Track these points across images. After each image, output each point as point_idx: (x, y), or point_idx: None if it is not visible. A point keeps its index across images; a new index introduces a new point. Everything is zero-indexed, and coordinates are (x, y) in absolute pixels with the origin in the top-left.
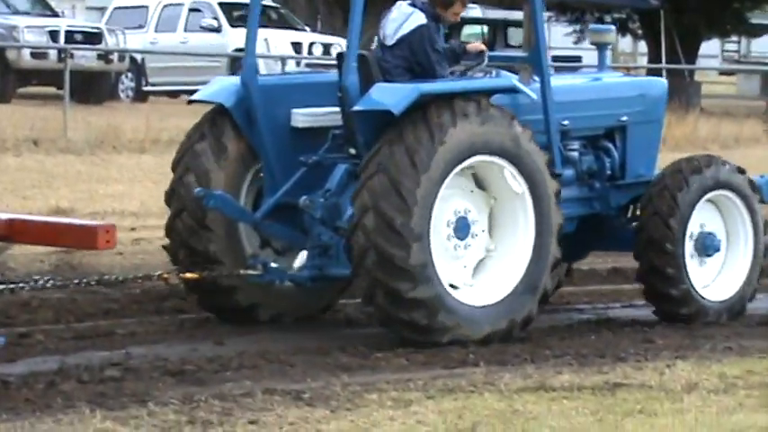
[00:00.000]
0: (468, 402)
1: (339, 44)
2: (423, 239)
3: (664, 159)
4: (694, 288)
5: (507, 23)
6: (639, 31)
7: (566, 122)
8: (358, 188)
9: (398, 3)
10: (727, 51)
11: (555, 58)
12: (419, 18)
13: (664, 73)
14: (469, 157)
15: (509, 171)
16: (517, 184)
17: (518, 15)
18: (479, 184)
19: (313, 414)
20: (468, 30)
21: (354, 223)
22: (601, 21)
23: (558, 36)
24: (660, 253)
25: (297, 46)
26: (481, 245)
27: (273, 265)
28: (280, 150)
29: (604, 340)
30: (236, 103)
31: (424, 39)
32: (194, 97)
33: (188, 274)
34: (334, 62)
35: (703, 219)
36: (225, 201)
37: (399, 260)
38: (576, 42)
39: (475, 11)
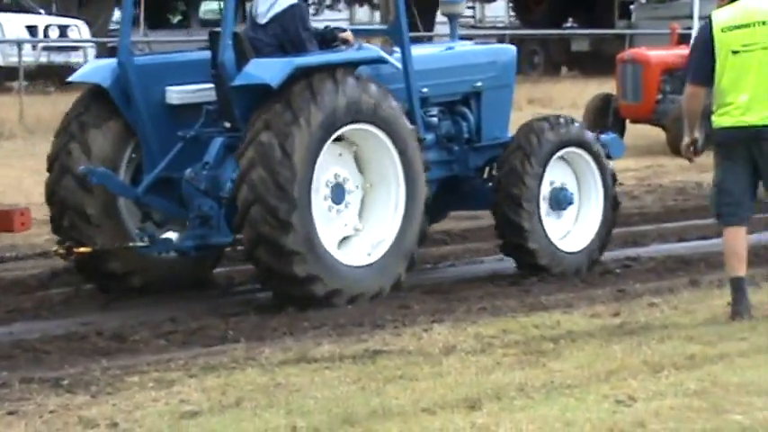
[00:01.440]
0: (230, 379)
1: (77, 26)
2: (304, 195)
3: None
4: (550, 240)
5: None
6: (376, 1)
7: (425, 90)
8: (243, 146)
9: None
10: (463, 17)
11: None
12: None
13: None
14: (345, 124)
15: (381, 138)
16: (391, 151)
17: None
18: (360, 169)
19: (73, 401)
20: (205, 6)
21: (240, 178)
22: None
23: None
24: (517, 208)
25: (32, 29)
26: (351, 222)
27: (164, 236)
28: (157, 127)
29: (361, 309)
30: (113, 82)
31: (296, 17)
32: (72, 78)
33: (81, 249)
34: (72, 45)
35: (556, 175)
36: (108, 177)
37: (283, 213)
38: (314, 14)
39: None
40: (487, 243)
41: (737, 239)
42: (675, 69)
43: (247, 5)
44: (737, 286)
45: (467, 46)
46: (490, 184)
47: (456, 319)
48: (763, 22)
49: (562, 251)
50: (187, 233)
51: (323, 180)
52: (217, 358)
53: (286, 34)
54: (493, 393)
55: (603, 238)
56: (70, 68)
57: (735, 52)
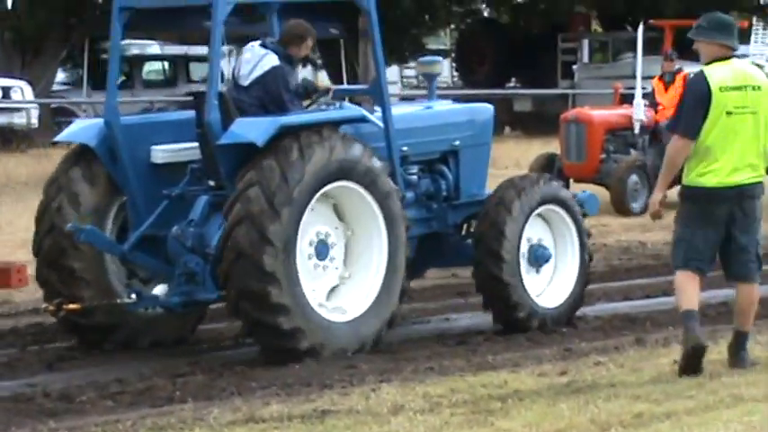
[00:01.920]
0: None
1: (20, 87)
2: (290, 251)
3: None
4: (529, 295)
5: (188, 59)
6: (320, 61)
7: (405, 148)
8: (230, 201)
9: (251, 44)
10: (406, 77)
11: None
12: (272, 60)
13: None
14: (331, 181)
15: (365, 196)
16: (373, 210)
17: (198, 51)
18: (339, 216)
19: None
20: (148, 66)
21: (227, 232)
22: None
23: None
24: (498, 262)
25: None
26: (336, 272)
27: (151, 293)
28: (142, 185)
29: (309, 369)
30: (99, 142)
31: (277, 79)
32: (58, 138)
33: (71, 305)
34: (15, 106)
35: (534, 232)
36: (95, 235)
37: (269, 266)
38: None
39: (153, 47)
40: (433, 303)
41: (690, 279)
42: (619, 129)
43: (227, 69)
44: (688, 317)
45: (445, 105)
46: (469, 240)
47: (404, 379)
48: (754, 87)
49: (541, 306)
50: (173, 290)
51: (306, 238)
52: (165, 419)
53: (268, 95)
54: None
55: (580, 293)
56: (12, 130)
57: (729, 113)
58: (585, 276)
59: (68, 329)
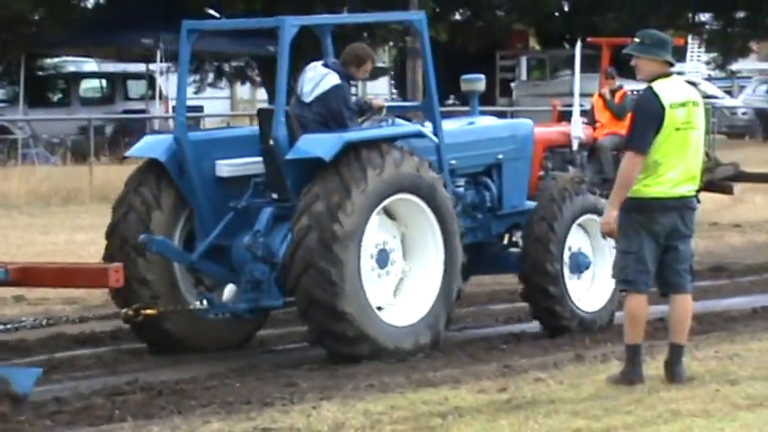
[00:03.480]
0: None
1: None
2: (354, 261)
3: None
4: (573, 302)
5: (126, 76)
6: (258, 78)
7: (453, 162)
8: (297, 215)
9: (313, 63)
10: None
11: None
12: (333, 79)
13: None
14: (392, 194)
15: (422, 207)
16: (430, 220)
17: (135, 68)
18: (389, 215)
19: None
20: (86, 84)
21: (295, 244)
22: (220, 70)
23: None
24: (544, 276)
25: None
26: (398, 268)
27: (221, 300)
28: (208, 198)
29: (249, 387)
30: (169, 157)
31: (338, 98)
32: (129, 153)
33: (148, 311)
34: None
35: (575, 240)
36: (165, 245)
37: (335, 276)
38: (196, 92)
39: (90, 65)
40: None
41: (643, 307)
42: (557, 146)
43: (163, 86)
44: (635, 352)
45: (488, 120)
46: (511, 249)
47: (344, 396)
48: (694, 103)
49: (582, 311)
50: (241, 297)
51: (370, 246)
52: None
53: (330, 113)
54: None
55: (617, 297)
56: None
57: (677, 129)
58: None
59: (141, 335)
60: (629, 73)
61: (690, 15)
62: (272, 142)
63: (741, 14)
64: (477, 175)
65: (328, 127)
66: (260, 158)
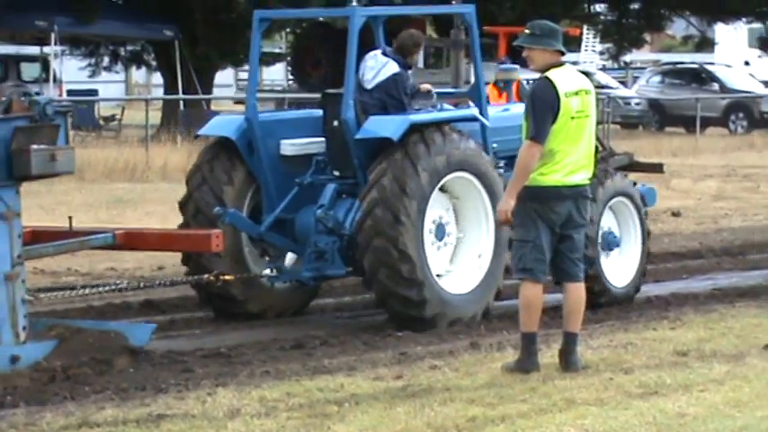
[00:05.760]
0: None
1: None
2: (418, 231)
3: None
4: (607, 280)
5: (19, 59)
6: (154, 63)
7: (494, 145)
8: (367, 188)
9: (373, 52)
10: (241, 80)
11: (70, 92)
12: (393, 67)
13: (181, 104)
14: (451, 171)
15: (476, 185)
16: (483, 197)
17: (29, 51)
18: (442, 189)
19: None
20: None
21: (365, 215)
22: (115, 54)
23: (73, 70)
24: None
25: None
26: (453, 238)
27: (289, 268)
28: (274, 174)
29: (144, 373)
30: (239, 135)
31: (398, 85)
32: (202, 132)
33: (227, 276)
34: None
35: (605, 221)
36: (237, 217)
37: (402, 244)
38: (90, 76)
39: None
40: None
41: (538, 296)
42: None
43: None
44: (530, 341)
45: (520, 108)
46: None
47: (240, 383)
48: (587, 92)
49: (613, 285)
50: (305, 266)
51: (429, 220)
52: None
53: (390, 98)
54: None
55: (641, 276)
56: None
57: (572, 118)
58: (646, 261)
59: (209, 300)
60: (524, 62)
61: (585, 6)
62: (336, 124)
63: (635, 6)
64: (514, 158)
65: (387, 110)
66: (321, 138)
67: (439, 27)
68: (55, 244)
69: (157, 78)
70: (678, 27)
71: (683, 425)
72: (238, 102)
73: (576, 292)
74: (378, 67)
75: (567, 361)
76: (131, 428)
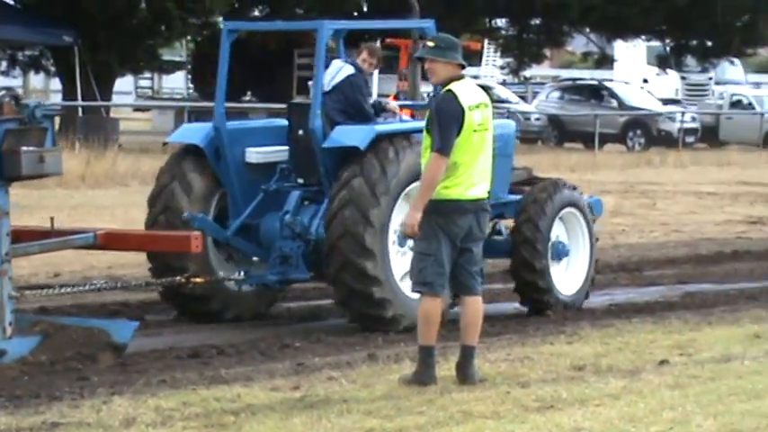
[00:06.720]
0: None
1: None
2: (385, 233)
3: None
4: (557, 289)
5: None
6: (53, 68)
7: None
8: (336, 189)
9: (333, 60)
10: (141, 88)
11: None
12: (349, 69)
13: (80, 110)
14: (415, 180)
15: None
16: None
17: None
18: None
19: None
20: None
21: (332, 215)
22: (13, 58)
23: None
24: (532, 250)
25: None
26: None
27: (256, 272)
28: (239, 181)
29: (38, 380)
30: (207, 143)
31: (353, 86)
32: (170, 139)
33: (197, 279)
34: None
35: (555, 232)
36: (205, 222)
37: (369, 243)
38: None
39: None
40: (165, 315)
41: (437, 309)
42: None
43: None
44: (428, 353)
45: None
46: (495, 237)
47: (135, 392)
48: (486, 105)
49: (561, 293)
50: (270, 270)
51: (394, 226)
52: None
53: (347, 99)
54: None
55: (588, 284)
56: None
57: (475, 131)
58: (593, 270)
59: (173, 302)
60: (424, 75)
61: (486, 20)
62: (301, 132)
63: (536, 21)
64: None
65: (347, 113)
66: (285, 147)
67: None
68: (39, 243)
69: (56, 84)
70: (578, 43)
71: None
72: (137, 109)
73: (474, 305)
74: (334, 72)
75: (465, 374)
76: None
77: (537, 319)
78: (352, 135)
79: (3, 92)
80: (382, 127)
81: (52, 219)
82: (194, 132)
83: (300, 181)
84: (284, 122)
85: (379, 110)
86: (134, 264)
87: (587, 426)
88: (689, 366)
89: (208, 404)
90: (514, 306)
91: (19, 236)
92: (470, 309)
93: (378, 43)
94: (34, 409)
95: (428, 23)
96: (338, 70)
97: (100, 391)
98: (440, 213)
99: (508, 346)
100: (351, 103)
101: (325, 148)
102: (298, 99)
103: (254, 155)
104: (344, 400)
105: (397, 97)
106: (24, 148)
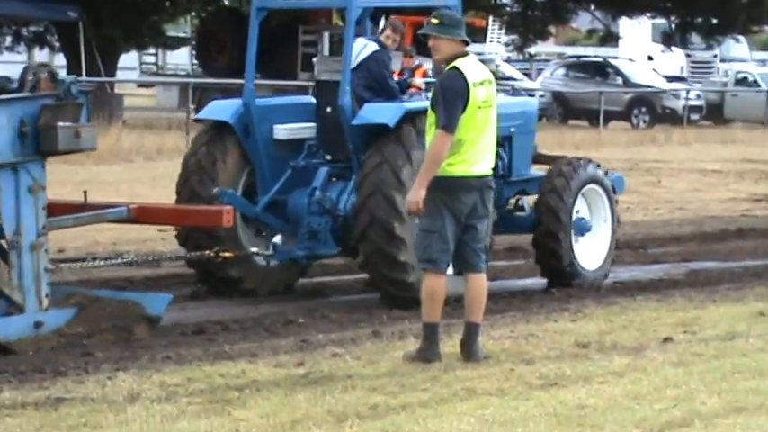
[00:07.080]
0: None
1: None
2: (412, 218)
3: None
4: (578, 263)
5: None
6: (57, 44)
7: None
8: (362, 176)
9: (358, 38)
10: (145, 64)
11: None
12: (372, 46)
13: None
14: None
15: None
16: None
17: None
18: None
19: None
20: None
21: (361, 203)
22: (18, 34)
23: None
24: (555, 220)
25: None
26: None
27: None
28: (268, 157)
29: (42, 355)
30: (236, 120)
31: (378, 63)
32: (200, 116)
33: (227, 253)
34: None
35: (577, 207)
36: (235, 198)
37: (398, 230)
38: None
39: None
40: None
41: (442, 286)
42: None
43: None
44: (432, 330)
45: (503, 98)
46: (518, 213)
47: (140, 367)
48: (490, 82)
49: (582, 267)
50: (298, 245)
51: None
52: None
53: (371, 75)
54: None
55: (610, 260)
56: None
57: (479, 107)
58: (615, 243)
59: (206, 279)
60: (427, 51)
61: None
62: (329, 110)
63: None
64: (496, 146)
65: (372, 89)
66: (312, 123)
67: (345, 15)
68: (73, 216)
69: (60, 60)
70: (583, 20)
71: (583, 416)
72: (142, 85)
73: (478, 282)
74: (359, 48)
75: (469, 351)
76: (30, 412)
77: (541, 297)
78: (381, 112)
79: (40, 68)
80: (411, 104)
81: (85, 192)
82: (224, 109)
83: (328, 158)
84: (311, 100)
85: (405, 87)
86: (138, 240)
87: (591, 403)
88: (693, 344)
89: (212, 380)
90: (519, 283)
91: (52, 209)
92: (475, 286)
93: (382, 21)
94: (39, 384)
95: (455, 1)
96: (362, 47)
97: (104, 367)
98: (444, 190)
99: (512, 323)
100: (376, 78)
101: (354, 126)
102: (324, 76)
103: (282, 131)
104: (348, 377)
105: (401, 74)
106: (61, 124)
